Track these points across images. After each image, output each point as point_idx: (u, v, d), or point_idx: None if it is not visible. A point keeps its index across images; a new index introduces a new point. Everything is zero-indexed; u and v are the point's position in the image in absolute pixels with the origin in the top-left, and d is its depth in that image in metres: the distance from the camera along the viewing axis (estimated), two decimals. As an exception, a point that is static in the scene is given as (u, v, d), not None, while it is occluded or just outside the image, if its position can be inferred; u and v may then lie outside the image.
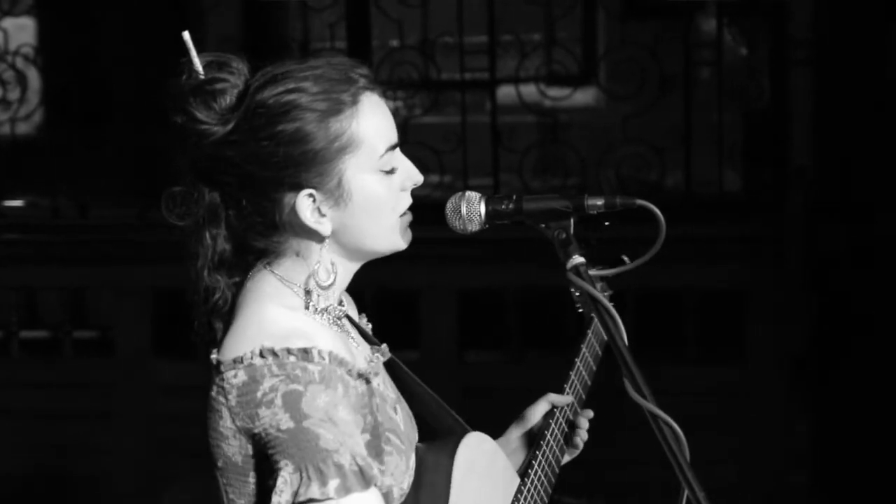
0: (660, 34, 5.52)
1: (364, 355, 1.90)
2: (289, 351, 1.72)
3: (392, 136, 1.84)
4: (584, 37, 6.77)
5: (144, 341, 5.16)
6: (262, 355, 1.72)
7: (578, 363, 2.28)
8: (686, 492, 1.70)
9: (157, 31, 5.26)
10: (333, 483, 1.66)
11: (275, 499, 1.68)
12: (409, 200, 1.87)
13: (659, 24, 5.80)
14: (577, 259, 1.80)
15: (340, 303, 1.90)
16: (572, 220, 1.84)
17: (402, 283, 4.82)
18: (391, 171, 1.83)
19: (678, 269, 4.67)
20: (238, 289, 1.84)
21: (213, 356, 1.77)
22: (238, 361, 1.74)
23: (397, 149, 1.85)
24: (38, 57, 5.79)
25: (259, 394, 1.71)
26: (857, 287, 4.94)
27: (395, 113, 2.08)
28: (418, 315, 5.02)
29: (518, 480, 2.08)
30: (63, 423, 5.17)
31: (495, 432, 2.08)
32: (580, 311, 2.13)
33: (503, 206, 1.87)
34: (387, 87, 5.93)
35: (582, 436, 2.20)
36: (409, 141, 5.26)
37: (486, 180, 5.46)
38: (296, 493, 1.67)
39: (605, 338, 1.94)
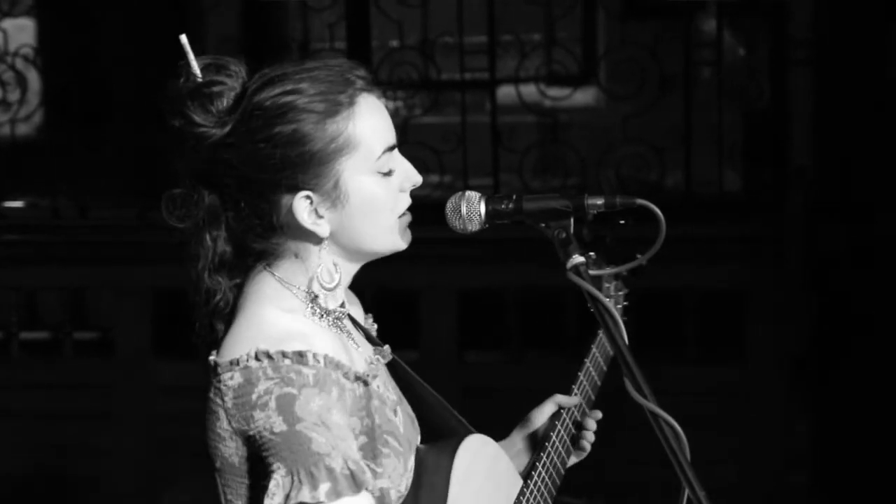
0: (660, 34, 5.52)
1: (365, 357, 1.90)
2: (284, 354, 1.72)
3: (390, 137, 1.84)
4: (584, 37, 6.77)
5: (144, 341, 5.16)
6: (257, 358, 1.72)
7: (588, 363, 2.26)
8: (686, 491, 1.70)
9: (157, 31, 5.27)
10: (324, 487, 1.67)
11: (267, 501, 1.68)
12: (408, 201, 1.87)
13: (659, 24, 5.80)
14: (578, 258, 1.80)
15: (342, 304, 1.90)
16: (572, 220, 1.84)
17: (402, 283, 4.82)
18: (389, 173, 1.83)
19: (678, 269, 4.67)
20: (239, 290, 1.84)
21: (212, 358, 1.78)
22: (234, 363, 1.74)
23: (396, 150, 1.85)
24: (38, 58, 5.79)
25: (254, 396, 1.71)
26: (857, 287, 4.94)
27: (394, 113, 2.09)
28: (418, 315, 5.02)
29: (521, 483, 2.07)
30: (63, 423, 5.17)
31: (495, 432, 2.07)
32: (592, 310, 2.13)
33: (503, 206, 1.86)
34: (387, 87, 5.92)
35: (589, 438, 2.18)
36: (409, 141, 5.26)
37: (486, 180, 5.46)
38: (287, 497, 1.67)
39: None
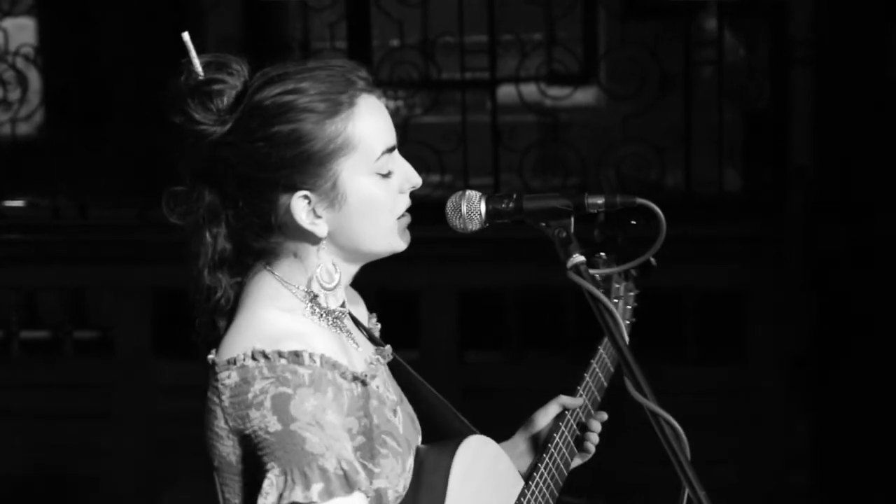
0: (660, 34, 5.52)
1: (365, 357, 1.90)
2: (280, 353, 1.72)
3: (389, 138, 1.83)
4: (584, 36, 6.77)
5: (144, 341, 5.16)
6: (254, 357, 1.73)
7: (594, 364, 2.24)
8: (687, 491, 1.70)
9: (157, 31, 5.27)
10: (317, 487, 1.67)
11: (260, 501, 1.68)
12: (407, 203, 1.87)
13: (659, 24, 5.80)
14: (578, 258, 1.80)
15: (343, 304, 1.90)
16: (572, 219, 1.84)
17: (402, 284, 4.81)
18: (388, 174, 1.83)
19: (678, 269, 4.66)
20: (240, 288, 1.84)
21: (210, 357, 1.78)
22: (231, 362, 1.74)
23: (395, 151, 1.85)
24: (39, 57, 5.78)
25: (250, 395, 1.71)
26: (857, 287, 4.94)
27: (395, 112, 2.09)
28: (418, 315, 5.02)
29: (522, 484, 2.06)
30: (63, 423, 5.17)
31: (495, 432, 2.07)
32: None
33: (503, 205, 1.86)
34: (387, 86, 5.91)
35: (593, 439, 2.17)
36: (410, 140, 5.26)
37: (486, 180, 5.46)
38: (280, 496, 1.67)
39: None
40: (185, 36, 1.80)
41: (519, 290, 5.10)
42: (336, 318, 1.86)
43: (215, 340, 1.81)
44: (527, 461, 2.14)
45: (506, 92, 5.90)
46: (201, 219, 1.82)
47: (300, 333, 1.77)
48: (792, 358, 4.86)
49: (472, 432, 1.98)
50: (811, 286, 4.93)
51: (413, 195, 1.88)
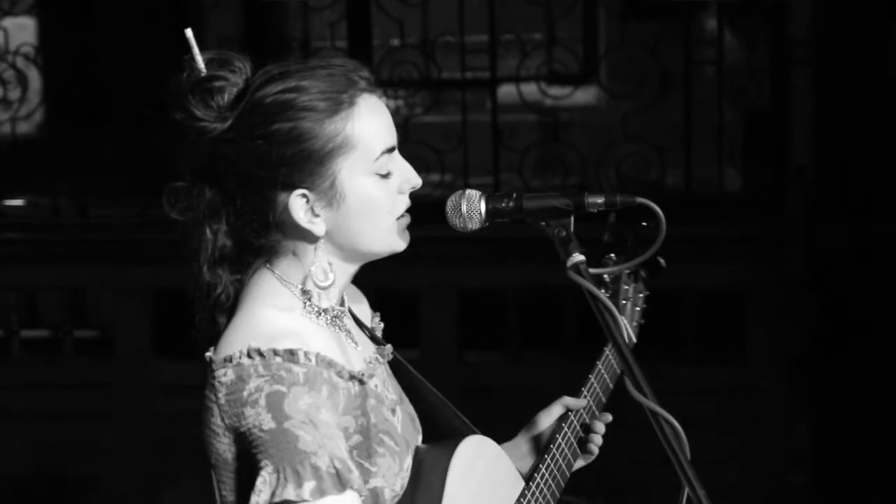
0: (660, 34, 5.52)
1: (364, 356, 1.89)
2: (275, 352, 1.72)
3: (389, 138, 1.83)
4: (584, 36, 6.76)
5: (144, 341, 5.16)
6: (249, 355, 1.73)
7: (600, 365, 2.21)
8: (686, 490, 1.70)
9: (157, 31, 5.27)
10: (309, 485, 1.67)
11: (253, 498, 1.68)
12: (406, 203, 1.86)
13: (659, 24, 5.80)
14: (578, 257, 1.80)
15: (342, 303, 1.89)
16: (572, 218, 1.84)
17: (402, 283, 4.81)
18: (387, 175, 1.82)
19: (678, 269, 4.65)
20: (241, 285, 1.85)
21: (208, 354, 1.78)
22: (228, 360, 1.74)
23: (395, 151, 1.84)
24: (39, 56, 5.78)
25: (245, 393, 1.72)
26: (857, 287, 4.94)
27: (395, 112, 2.09)
28: (418, 315, 5.02)
29: (523, 485, 2.05)
30: (63, 423, 5.17)
31: (495, 432, 2.06)
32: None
33: (503, 205, 1.86)
34: (387, 86, 5.91)
35: (596, 441, 2.14)
36: (410, 140, 5.26)
37: (486, 179, 5.46)
38: (273, 494, 1.67)
39: (628, 341, 1.91)
40: (189, 32, 1.80)
41: (519, 290, 5.10)
42: (335, 316, 1.85)
43: (215, 337, 1.81)
44: (529, 462, 2.12)
45: (506, 91, 5.89)
46: (202, 215, 1.82)
47: (297, 332, 1.77)
48: (792, 358, 4.87)
49: (473, 432, 1.98)
50: (811, 286, 4.93)
51: (413, 195, 1.87)
